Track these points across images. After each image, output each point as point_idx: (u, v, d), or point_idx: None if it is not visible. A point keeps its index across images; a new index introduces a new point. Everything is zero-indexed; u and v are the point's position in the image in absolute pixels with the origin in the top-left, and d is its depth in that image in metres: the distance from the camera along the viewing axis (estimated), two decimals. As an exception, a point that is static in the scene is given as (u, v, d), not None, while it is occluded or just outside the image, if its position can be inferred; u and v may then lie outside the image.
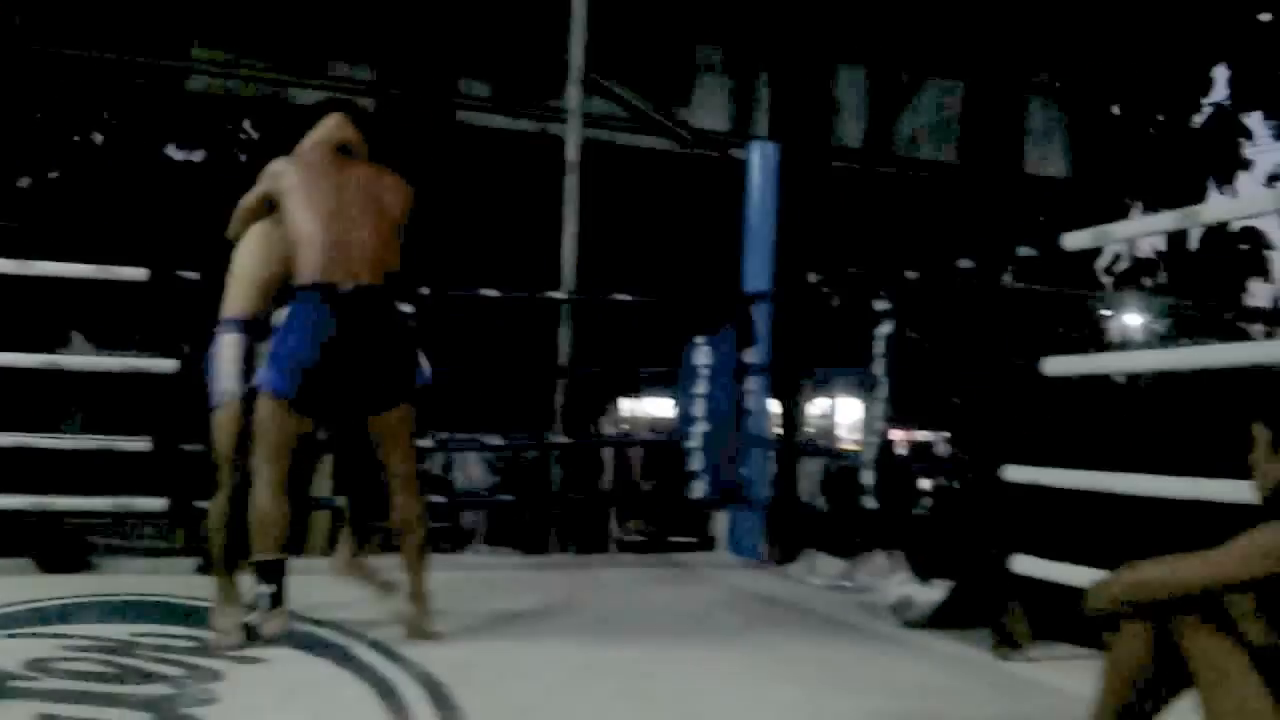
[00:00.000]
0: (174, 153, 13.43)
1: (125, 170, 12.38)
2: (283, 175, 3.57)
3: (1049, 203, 12.56)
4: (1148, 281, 14.65)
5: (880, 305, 4.53)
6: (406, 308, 3.98)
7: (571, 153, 6.85)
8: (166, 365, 5.07)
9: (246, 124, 13.57)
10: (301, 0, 9.15)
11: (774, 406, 6.15)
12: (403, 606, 3.69)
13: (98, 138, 13.04)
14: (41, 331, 9.67)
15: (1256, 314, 13.78)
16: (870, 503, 4.53)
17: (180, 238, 10.36)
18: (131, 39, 9.39)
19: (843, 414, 11.45)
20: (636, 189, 11.09)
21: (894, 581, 4.26)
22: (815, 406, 11.15)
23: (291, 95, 9.42)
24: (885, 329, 4.50)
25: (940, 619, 4.02)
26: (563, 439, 6.41)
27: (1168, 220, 4.34)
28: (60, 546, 4.72)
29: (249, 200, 3.70)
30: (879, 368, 4.53)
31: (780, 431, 6.32)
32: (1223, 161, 14.06)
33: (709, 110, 10.31)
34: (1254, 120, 14.16)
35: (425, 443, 6.03)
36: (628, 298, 6.21)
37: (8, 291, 7.01)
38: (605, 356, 7.34)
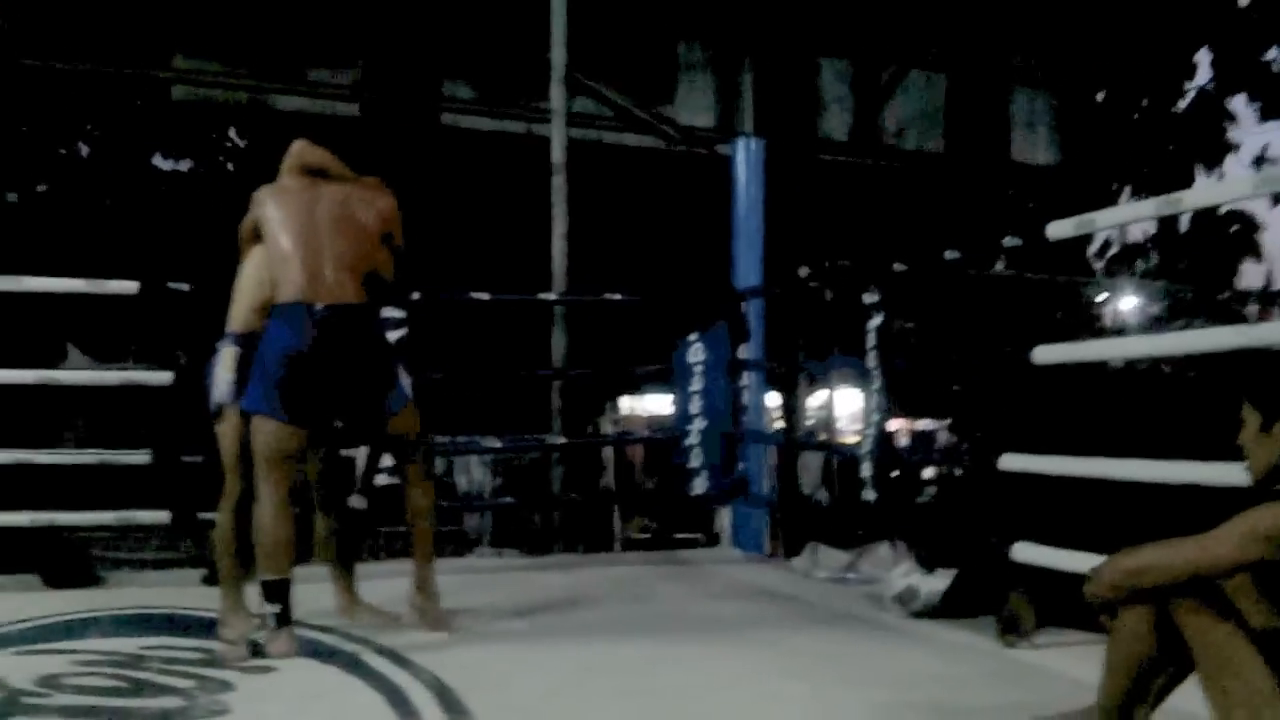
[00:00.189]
0: (160, 162, 13.43)
1: (113, 182, 12.37)
2: (263, 203, 3.68)
3: (1037, 190, 12.60)
4: (1140, 265, 14.70)
5: (870, 298, 4.56)
6: (398, 313, 4.02)
7: (557, 153, 6.86)
8: (162, 377, 5.08)
9: (232, 132, 13.57)
10: (283, 7, 9.14)
11: (775, 400, 6.18)
12: (412, 598, 3.83)
13: (84, 150, 13.02)
14: (37, 347, 9.66)
15: (1247, 296, 13.83)
16: (869, 494, 4.55)
17: (170, 247, 10.38)
18: (114, 50, 9.36)
19: (843, 406, 11.47)
20: (624, 188, 11.10)
21: (898, 572, 4.28)
22: (816, 399, 11.17)
23: (276, 102, 9.42)
24: (876, 321, 4.53)
25: (945, 609, 4.05)
26: (561, 440, 6.43)
27: (1147, 207, 4.36)
28: (65, 561, 4.73)
29: (244, 227, 3.81)
30: (872, 360, 4.56)
31: (780, 425, 6.34)
32: (1209, 145, 14.11)
33: (694, 107, 10.31)
34: (1238, 103, 14.24)
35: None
36: (618, 297, 6.23)
37: (2, 308, 7.00)
38: (601, 356, 7.35)
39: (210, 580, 4.53)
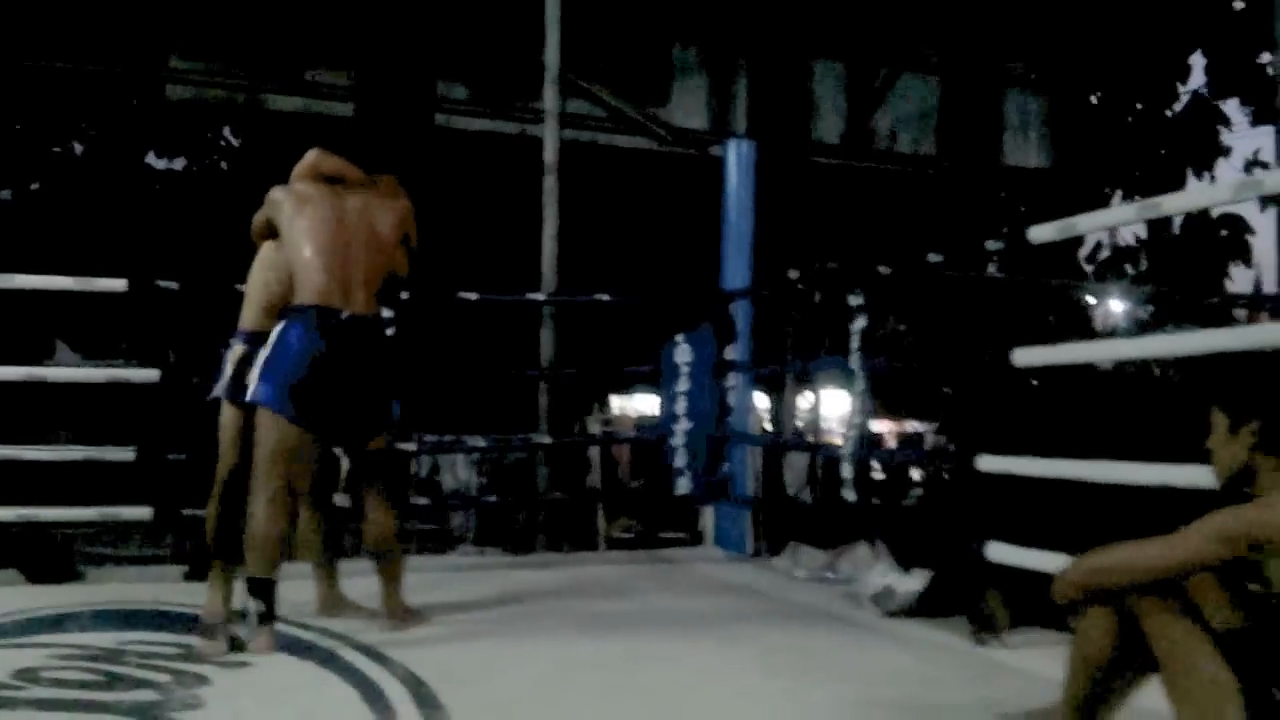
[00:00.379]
0: (154, 161, 13.45)
1: (107, 180, 12.37)
2: (281, 205, 3.70)
3: (1029, 194, 12.61)
4: (1129, 269, 14.70)
5: (854, 300, 4.58)
6: (387, 313, 4.05)
7: (550, 153, 6.88)
8: (149, 375, 5.09)
9: (226, 131, 13.58)
10: (278, 7, 9.15)
11: (762, 402, 6.20)
12: (382, 610, 3.85)
13: (78, 148, 13.03)
14: (26, 343, 9.67)
15: (1235, 300, 13.83)
16: (849, 495, 4.58)
17: (163, 246, 10.39)
18: (109, 49, 9.37)
19: (830, 407, 11.49)
20: (616, 189, 11.12)
21: (875, 572, 4.31)
22: (805, 400, 11.19)
23: (270, 102, 9.43)
24: (860, 324, 4.56)
25: (920, 608, 4.08)
26: (547, 439, 6.44)
27: (1128, 212, 4.39)
28: (47, 556, 4.75)
29: (256, 222, 3.84)
30: (855, 362, 4.58)
31: (766, 427, 6.36)
32: (1202, 149, 14.13)
33: (688, 109, 10.32)
34: (1231, 107, 14.25)
35: (410, 446, 6.08)
36: (607, 298, 6.25)
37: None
38: (588, 356, 7.37)
39: (192, 576, 4.56)
